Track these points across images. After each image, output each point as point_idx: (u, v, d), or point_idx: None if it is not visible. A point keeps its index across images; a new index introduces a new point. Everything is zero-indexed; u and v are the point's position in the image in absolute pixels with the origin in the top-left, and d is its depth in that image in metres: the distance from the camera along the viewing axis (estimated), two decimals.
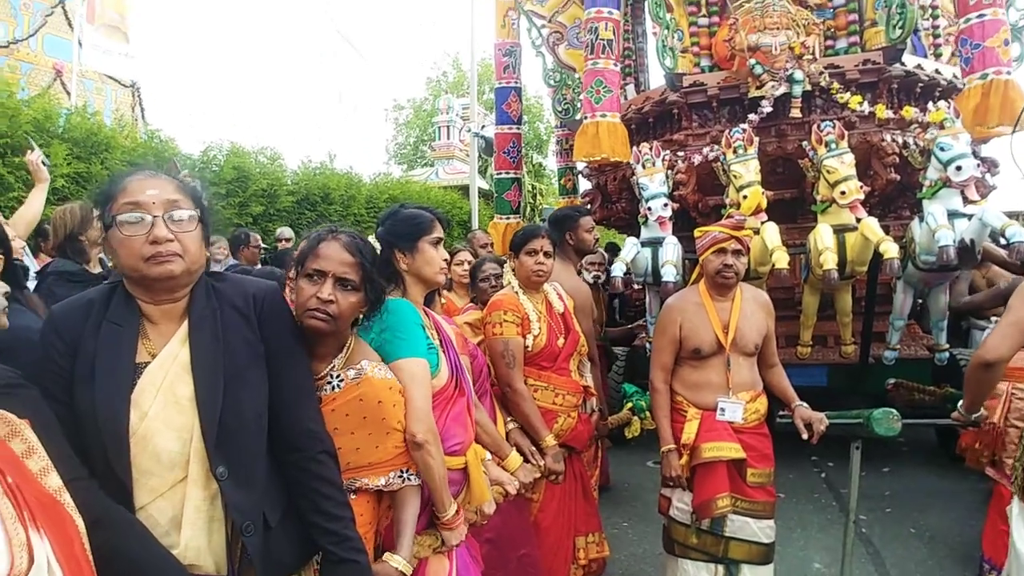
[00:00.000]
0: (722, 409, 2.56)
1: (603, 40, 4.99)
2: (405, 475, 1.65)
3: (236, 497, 1.28)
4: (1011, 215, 3.84)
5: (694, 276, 2.77)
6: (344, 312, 1.57)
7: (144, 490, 1.25)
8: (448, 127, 16.51)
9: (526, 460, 2.42)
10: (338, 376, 1.59)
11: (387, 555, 1.59)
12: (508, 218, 7.38)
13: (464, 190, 12.91)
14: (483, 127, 12.08)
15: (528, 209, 13.22)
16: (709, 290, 2.63)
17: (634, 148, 4.59)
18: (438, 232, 1.99)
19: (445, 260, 2.02)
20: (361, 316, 1.70)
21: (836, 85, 4.38)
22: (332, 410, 1.54)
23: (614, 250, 6.31)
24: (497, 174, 7.72)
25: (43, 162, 3.46)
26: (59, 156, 5.30)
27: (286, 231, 6.70)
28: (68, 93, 11.08)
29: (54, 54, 12.27)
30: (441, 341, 1.98)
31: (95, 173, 5.67)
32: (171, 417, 1.28)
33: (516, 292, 2.65)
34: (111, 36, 8.27)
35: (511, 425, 2.52)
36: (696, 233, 2.70)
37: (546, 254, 2.66)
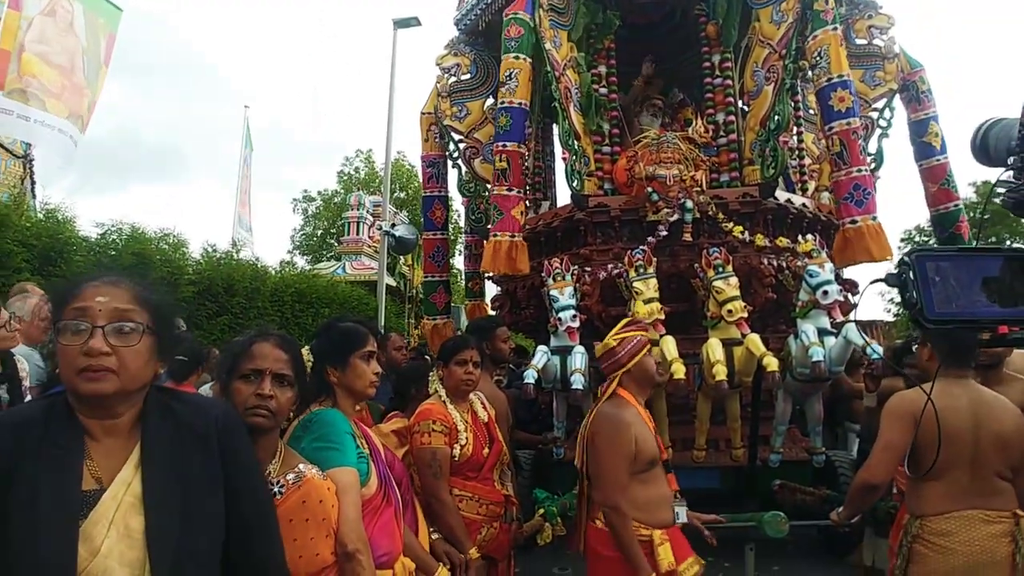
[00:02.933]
0: (677, 514, 2.54)
1: (498, 169, 5.52)
2: None
3: None
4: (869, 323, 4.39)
5: (612, 386, 2.61)
6: (283, 407, 1.67)
7: None
8: (358, 222, 16.68)
9: (453, 572, 2.46)
10: (277, 482, 1.64)
11: None
12: (435, 318, 7.54)
13: (371, 286, 12.95)
14: (393, 225, 12.32)
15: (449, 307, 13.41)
16: (635, 396, 2.58)
17: (546, 262, 4.94)
18: (370, 346, 2.12)
19: (376, 373, 2.14)
20: (290, 417, 1.79)
21: (721, 215, 4.97)
22: (278, 517, 1.55)
23: (522, 353, 6.54)
24: (425, 277, 7.97)
25: None
26: None
27: None
28: None
29: None
30: (371, 451, 2.07)
31: None
32: (123, 552, 1.19)
33: (444, 401, 2.75)
34: (26, 100, 7.95)
35: (435, 536, 2.57)
36: (611, 342, 2.63)
37: (475, 364, 2.81)
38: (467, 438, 2.73)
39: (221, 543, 1.31)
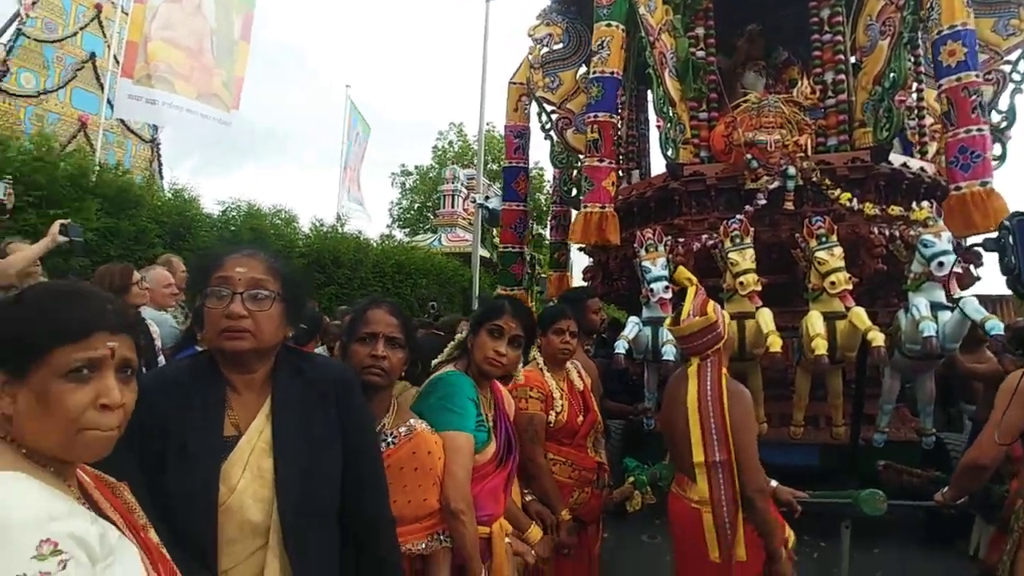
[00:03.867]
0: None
1: (590, 141, 5.46)
2: (441, 538, 1.85)
3: (306, 568, 1.38)
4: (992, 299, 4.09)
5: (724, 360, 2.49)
6: (395, 367, 1.82)
7: (227, 556, 1.34)
8: (452, 196, 17.02)
9: (546, 532, 2.55)
10: (391, 434, 1.80)
11: None
12: (512, 289, 7.65)
13: (465, 257, 13.24)
14: (487, 197, 12.47)
15: (527, 278, 13.54)
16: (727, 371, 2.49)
17: (638, 232, 4.89)
18: (500, 322, 2.20)
19: (496, 351, 2.19)
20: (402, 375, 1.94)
21: (827, 181, 4.73)
22: (388, 465, 1.69)
23: (615, 325, 6.54)
24: (503, 247, 8.05)
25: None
26: (91, 212, 5.58)
27: None
28: (91, 145, 11.55)
29: (81, 106, 12.81)
30: (497, 417, 2.17)
31: (123, 229, 5.95)
32: (256, 490, 1.37)
33: (541, 369, 2.81)
34: (156, 85, 8.58)
35: (528, 497, 2.67)
36: (712, 315, 2.46)
37: (571, 334, 2.85)
38: (562, 405, 2.78)
39: (338, 489, 1.47)
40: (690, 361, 2.50)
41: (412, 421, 1.85)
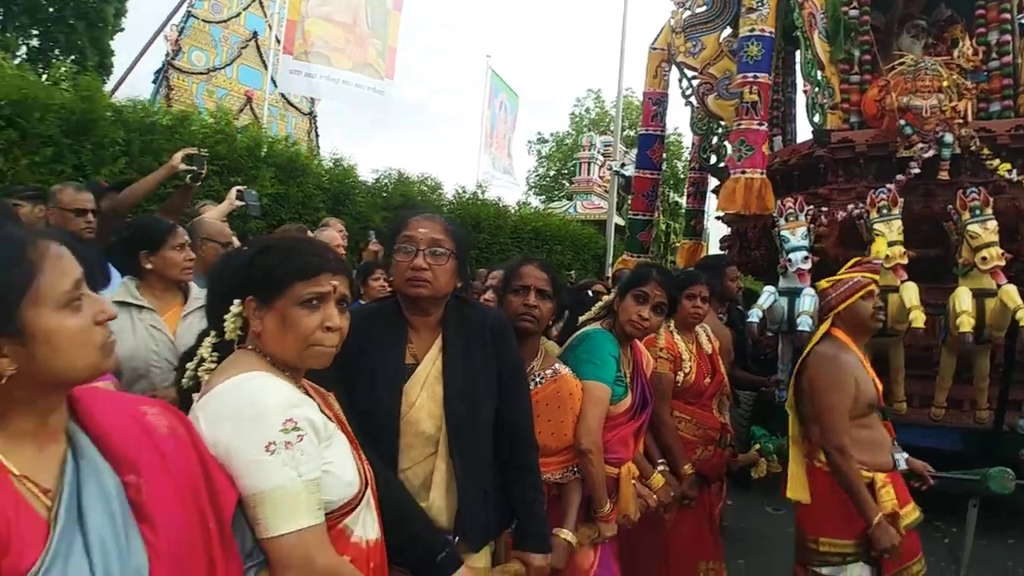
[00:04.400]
0: (897, 461, 2.50)
1: (748, 102, 5.27)
2: (574, 470, 2.15)
3: (466, 474, 1.70)
4: None
5: (824, 327, 2.62)
6: (544, 316, 2.11)
7: (405, 459, 1.70)
8: (588, 163, 17.09)
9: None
10: (538, 375, 2.12)
11: (556, 529, 2.05)
12: (637, 256, 7.73)
13: (600, 225, 13.37)
14: (623, 164, 12.43)
15: (661, 247, 13.41)
16: (852, 339, 2.54)
17: (778, 202, 4.83)
18: (647, 288, 2.43)
19: (640, 315, 2.43)
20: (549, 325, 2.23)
21: (986, 150, 4.41)
22: (535, 402, 2.00)
23: (750, 297, 6.47)
24: (633, 214, 8.10)
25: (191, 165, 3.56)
26: (265, 179, 6.32)
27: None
28: (257, 118, 12.84)
29: (246, 82, 14.19)
30: (635, 374, 2.44)
31: (292, 195, 6.69)
32: (430, 408, 1.71)
33: (672, 331, 2.99)
34: (312, 60, 9.38)
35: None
36: (824, 284, 2.65)
37: (703, 299, 3.01)
38: (690, 367, 2.97)
39: (493, 412, 1.80)
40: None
41: (557, 366, 2.16)
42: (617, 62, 11.66)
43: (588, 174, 17.15)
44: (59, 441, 0.96)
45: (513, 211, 11.07)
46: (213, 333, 1.36)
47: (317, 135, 16.10)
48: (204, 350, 1.36)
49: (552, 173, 24.75)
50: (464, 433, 1.73)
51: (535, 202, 20.58)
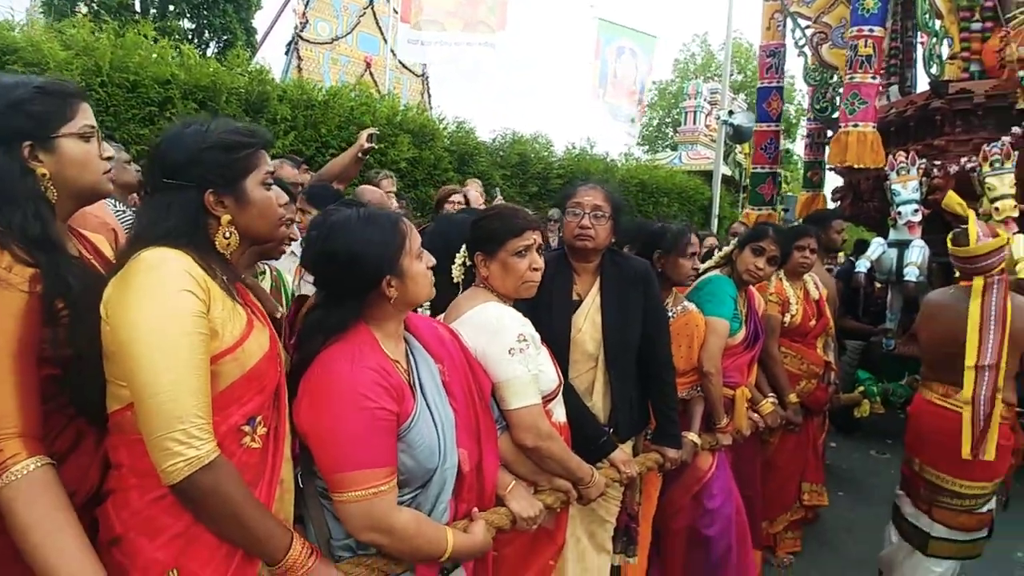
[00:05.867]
0: None
1: (862, 56, 5.37)
2: (697, 389, 2.70)
3: (618, 384, 2.24)
4: None
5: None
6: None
7: (573, 370, 2.21)
8: (695, 112, 16.86)
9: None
10: (672, 311, 2.64)
11: (685, 432, 2.58)
12: (760, 209, 7.94)
13: (706, 175, 13.34)
14: (731, 112, 12.25)
15: (776, 198, 13.23)
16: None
17: (890, 156, 5.01)
18: (763, 243, 2.92)
19: (756, 266, 2.92)
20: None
21: None
22: (672, 331, 2.52)
23: (862, 247, 6.61)
24: (753, 168, 8.26)
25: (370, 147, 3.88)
26: (403, 145, 7.04)
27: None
28: (375, 82, 13.65)
29: (365, 49, 14.99)
30: (749, 313, 2.94)
31: (424, 158, 7.39)
32: (592, 334, 2.22)
33: (781, 279, 3.42)
34: (424, 28, 10.01)
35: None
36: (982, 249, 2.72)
37: (811, 250, 3.40)
38: (797, 310, 3.40)
39: (639, 337, 2.30)
40: (972, 280, 2.75)
41: (685, 303, 2.70)
42: (725, 3, 11.43)
43: (694, 123, 16.94)
44: (402, 341, 1.62)
45: (620, 164, 11.36)
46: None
47: (430, 95, 16.82)
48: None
49: (655, 123, 24.44)
50: (617, 353, 2.24)
51: (638, 153, 20.56)
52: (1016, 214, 4.22)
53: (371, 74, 14.82)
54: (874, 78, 5.42)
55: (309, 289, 1.63)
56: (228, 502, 1.22)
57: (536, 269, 1.91)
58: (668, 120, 22.99)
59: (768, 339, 3.27)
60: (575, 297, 2.30)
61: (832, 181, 7.81)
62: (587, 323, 2.26)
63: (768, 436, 3.38)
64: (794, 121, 20.12)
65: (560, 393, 2.01)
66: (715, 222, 11.29)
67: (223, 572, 1.27)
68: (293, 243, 2.21)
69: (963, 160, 4.82)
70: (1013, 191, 4.26)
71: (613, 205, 2.26)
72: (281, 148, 5.80)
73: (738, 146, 14.25)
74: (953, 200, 2.94)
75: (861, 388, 4.66)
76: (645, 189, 10.86)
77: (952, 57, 5.46)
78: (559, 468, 1.92)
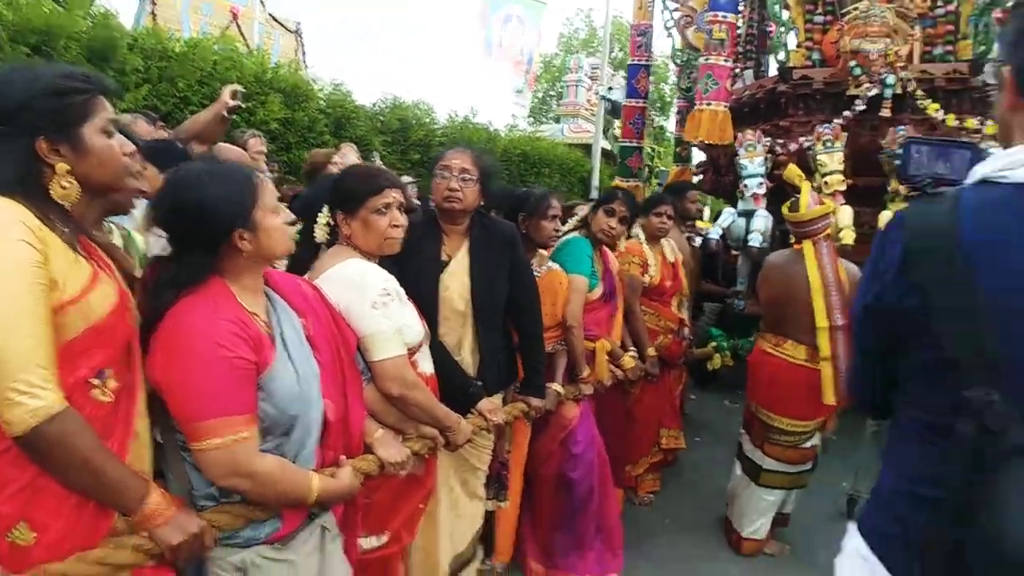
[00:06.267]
0: None
1: (716, 40, 5.75)
2: (560, 343, 2.89)
3: (486, 340, 2.39)
4: None
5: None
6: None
7: (443, 327, 2.33)
8: (576, 86, 17.19)
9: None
10: (537, 271, 2.79)
11: (549, 383, 2.76)
12: (628, 180, 8.36)
13: (586, 148, 13.75)
14: (610, 88, 12.61)
15: (646, 171, 13.90)
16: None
17: (739, 133, 5.45)
18: (613, 205, 3.14)
19: (608, 225, 3.14)
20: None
21: (919, 92, 5.01)
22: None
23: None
24: (622, 142, 8.65)
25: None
26: (274, 105, 6.69)
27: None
28: (243, 36, 12.79)
29: None
30: (605, 271, 3.15)
31: (298, 119, 7.09)
32: (461, 293, 2.33)
33: (641, 243, 3.67)
34: None
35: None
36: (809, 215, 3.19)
37: (668, 216, 3.70)
38: (656, 271, 3.68)
39: (506, 294, 2.44)
40: (802, 243, 3.20)
41: (549, 263, 2.88)
42: None
43: (576, 97, 17.30)
44: (262, 296, 1.65)
45: (503, 135, 11.47)
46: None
47: (304, 53, 16.02)
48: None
49: (540, 95, 24.75)
50: (485, 311, 2.39)
51: (523, 124, 20.78)
52: (843, 188, 4.75)
53: (238, 26, 13.88)
54: (727, 61, 5.81)
55: (158, 250, 1.61)
56: (76, 452, 1.22)
57: (396, 226, 1.97)
58: (552, 93, 23.35)
59: (631, 298, 3.52)
60: (444, 258, 2.40)
61: (699, 156, 8.37)
62: (456, 282, 2.37)
63: (630, 387, 3.64)
64: (668, 100, 21.06)
65: (426, 345, 2.11)
66: (595, 193, 11.68)
67: (74, 522, 1.27)
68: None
69: (802, 139, 5.33)
70: (841, 167, 4.79)
71: (481, 169, 2.37)
72: (134, 103, 5.38)
73: (616, 121, 14.76)
74: (793, 172, 3.37)
75: (713, 344, 5.14)
76: (527, 160, 11.03)
77: (798, 46, 5.96)
78: (425, 416, 2.03)
